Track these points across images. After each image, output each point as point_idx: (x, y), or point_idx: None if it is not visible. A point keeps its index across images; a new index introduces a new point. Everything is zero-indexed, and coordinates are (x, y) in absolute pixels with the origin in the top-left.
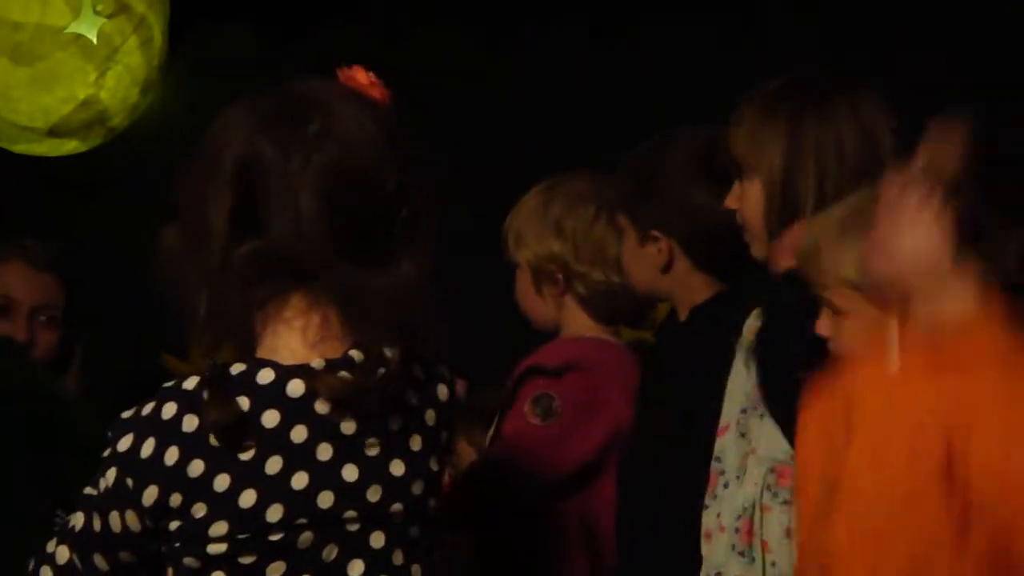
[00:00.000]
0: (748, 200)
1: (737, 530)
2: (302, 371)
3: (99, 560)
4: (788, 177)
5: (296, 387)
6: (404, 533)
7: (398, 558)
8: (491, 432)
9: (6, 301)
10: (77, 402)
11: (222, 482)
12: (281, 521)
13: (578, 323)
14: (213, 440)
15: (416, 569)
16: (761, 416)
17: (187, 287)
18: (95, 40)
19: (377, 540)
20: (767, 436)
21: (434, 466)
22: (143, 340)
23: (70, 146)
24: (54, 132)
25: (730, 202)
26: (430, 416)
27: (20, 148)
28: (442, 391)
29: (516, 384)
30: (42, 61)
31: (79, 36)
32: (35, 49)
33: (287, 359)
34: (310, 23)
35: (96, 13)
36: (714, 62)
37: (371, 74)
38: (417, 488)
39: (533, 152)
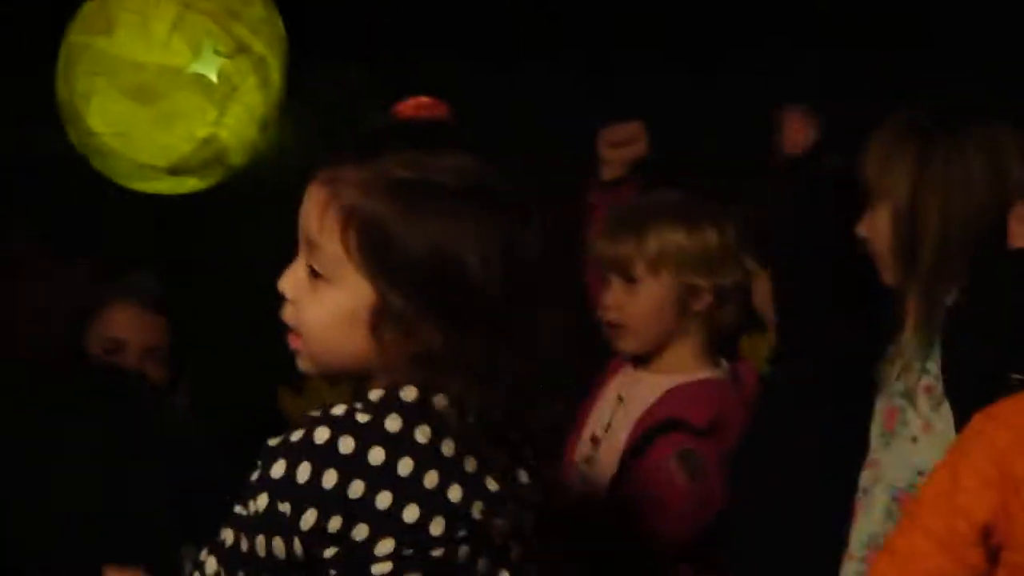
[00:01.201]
0: (877, 228)
1: (863, 559)
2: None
3: None
4: (915, 206)
5: (440, 401)
6: (533, 544)
7: (530, 569)
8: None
9: (116, 344)
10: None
11: (384, 500)
12: (443, 535)
13: (700, 354)
14: (372, 459)
15: None
16: (887, 444)
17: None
18: (215, 80)
19: (515, 551)
20: (893, 462)
21: (544, 476)
22: (258, 376)
23: (190, 184)
24: (174, 171)
25: (860, 229)
26: (527, 452)
27: (141, 186)
28: (536, 429)
29: (651, 433)
30: (163, 101)
31: (200, 76)
32: (156, 89)
33: None
34: (421, 59)
35: (216, 53)
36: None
37: (429, 99)
38: (536, 498)
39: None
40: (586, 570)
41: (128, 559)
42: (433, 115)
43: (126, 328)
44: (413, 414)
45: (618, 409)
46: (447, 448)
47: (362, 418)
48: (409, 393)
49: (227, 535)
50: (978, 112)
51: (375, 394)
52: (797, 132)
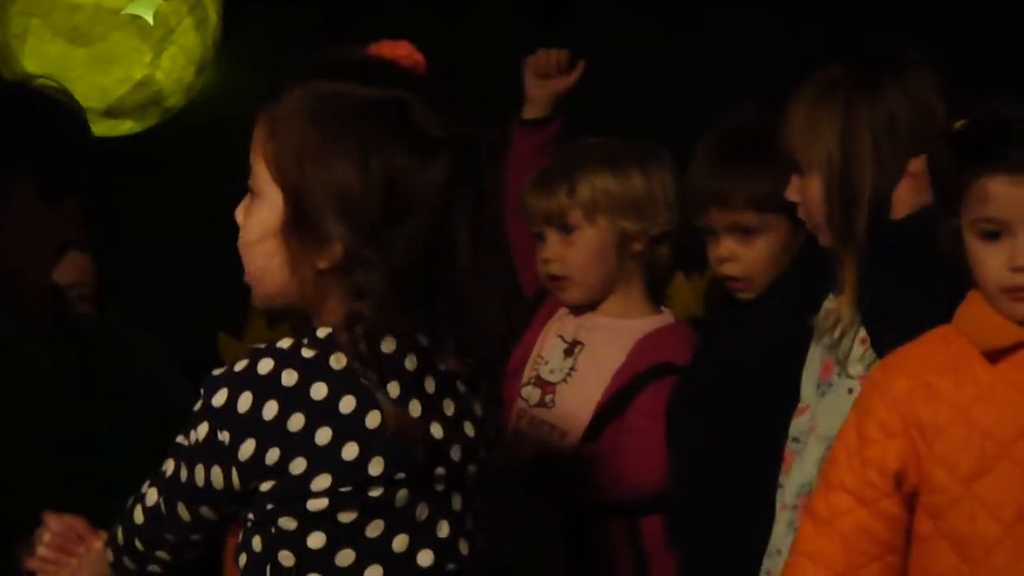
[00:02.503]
0: (808, 194)
1: (795, 507)
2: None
3: (182, 509)
4: (847, 167)
5: (388, 344)
6: (472, 497)
7: (469, 523)
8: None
9: None
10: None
11: (323, 435)
12: (382, 475)
13: (644, 298)
14: (314, 394)
15: (479, 539)
16: (823, 394)
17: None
18: (151, 21)
19: (456, 502)
20: (828, 414)
21: (490, 433)
22: (196, 322)
23: (126, 126)
24: (110, 113)
25: (791, 194)
26: (483, 387)
27: None
28: (487, 364)
29: (640, 380)
30: (99, 42)
31: (136, 17)
32: (92, 30)
33: None
34: (364, 4)
35: None
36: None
37: (412, 47)
38: (481, 452)
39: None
40: (558, 521)
41: (98, 500)
42: (411, 62)
43: None
44: (359, 354)
45: (580, 355)
46: (392, 390)
47: (307, 353)
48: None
49: (168, 465)
50: (891, 60)
51: (323, 332)
52: None
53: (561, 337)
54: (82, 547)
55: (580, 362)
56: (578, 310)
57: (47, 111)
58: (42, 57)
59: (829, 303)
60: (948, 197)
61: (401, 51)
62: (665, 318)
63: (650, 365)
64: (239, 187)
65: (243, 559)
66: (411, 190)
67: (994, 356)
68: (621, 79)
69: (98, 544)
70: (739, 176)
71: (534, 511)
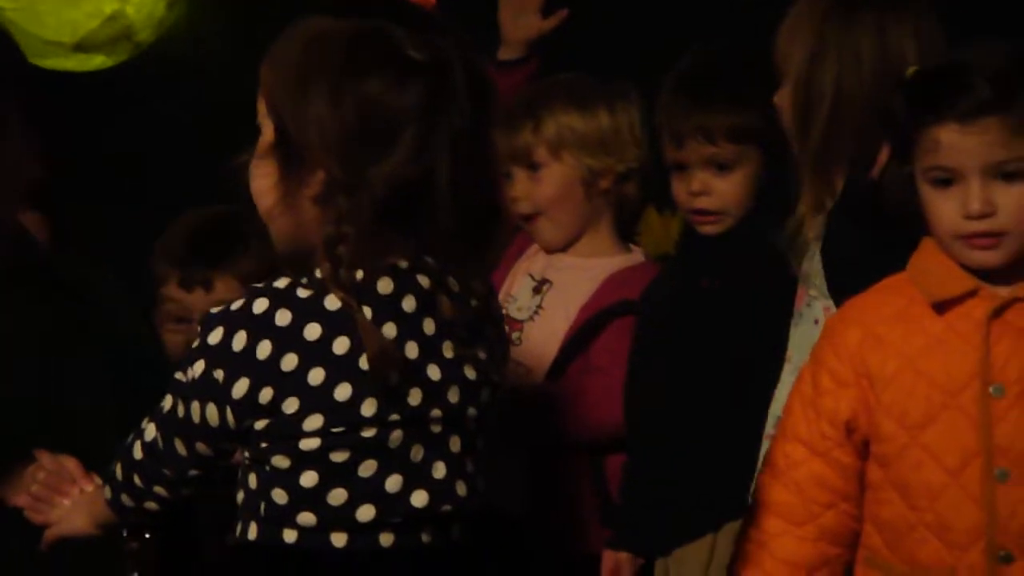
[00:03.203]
0: (783, 100)
1: (769, 437)
2: (389, 270)
3: (179, 445)
4: (810, 80)
5: (386, 285)
6: (474, 439)
7: (469, 465)
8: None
9: None
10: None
11: (316, 376)
12: (375, 416)
13: (613, 237)
14: (307, 334)
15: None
16: (795, 325)
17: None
18: None
19: (455, 444)
20: (799, 343)
21: (496, 378)
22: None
23: (97, 61)
24: (81, 47)
25: (776, 99)
26: (489, 329)
27: (47, 63)
28: (495, 308)
29: (603, 317)
30: None
31: None
32: None
33: None
34: None
35: None
36: None
37: None
38: (486, 395)
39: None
40: (522, 458)
41: (66, 448)
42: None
43: None
44: (357, 293)
45: (548, 293)
46: (388, 330)
47: (303, 293)
48: (355, 274)
49: (166, 401)
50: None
51: (321, 271)
52: None
53: (531, 275)
54: (75, 488)
55: (547, 300)
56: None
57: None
58: None
59: (791, 221)
60: (901, 146)
61: None
62: (634, 256)
63: (615, 301)
64: (209, 123)
65: (240, 496)
66: (388, 114)
67: (942, 307)
68: (594, 18)
69: (90, 486)
70: (721, 109)
71: (498, 448)
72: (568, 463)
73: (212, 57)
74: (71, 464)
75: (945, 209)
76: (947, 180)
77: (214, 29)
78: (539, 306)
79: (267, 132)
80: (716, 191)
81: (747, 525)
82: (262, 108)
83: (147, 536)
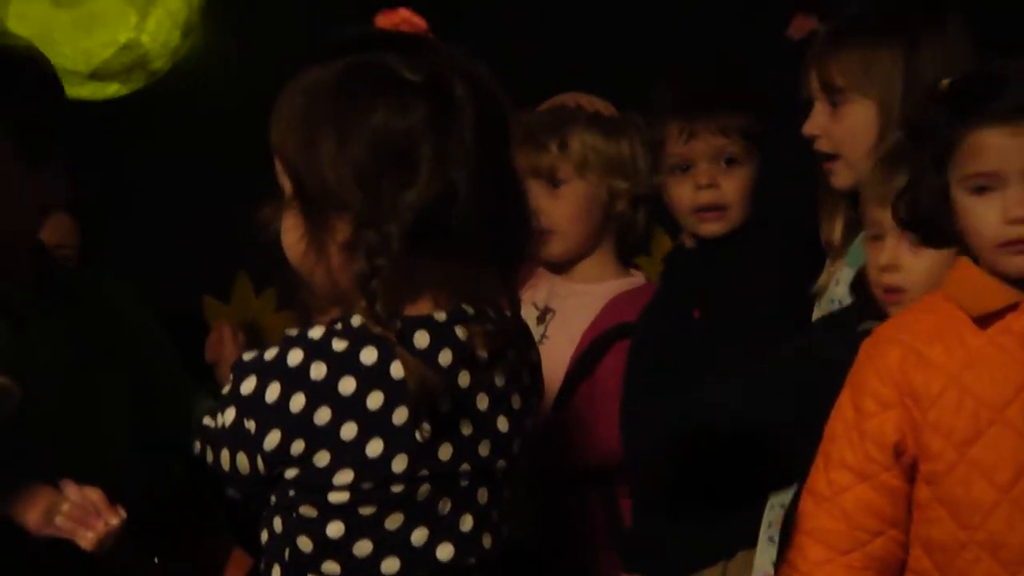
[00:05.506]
0: (852, 124)
1: None
2: (425, 322)
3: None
4: (907, 97)
5: (422, 339)
6: (501, 489)
7: (495, 515)
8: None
9: None
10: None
11: (349, 431)
12: (405, 472)
13: (615, 261)
14: (342, 388)
15: (504, 529)
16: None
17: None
18: None
19: (483, 496)
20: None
21: (529, 425)
22: (183, 281)
23: (111, 89)
24: (96, 75)
25: (811, 128)
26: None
27: None
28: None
29: (605, 340)
30: (84, 5)
31: None
32: None
33: (408, 311)
34: None
35: None
36: None
37: (410, 12)
38: (517, 446)
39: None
40: (533, 488)
41: (90, 467)
42: (413, 29)
43: None
44: (389, 347)
45: (551, 321)
46: (421, 340)
47: (338, 345)
48: (392, 308)
49: (196, 444)
50: (946, 7)
51: (358, 319)
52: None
53: (534, 304)
54: (100, 521)
55: (551, 328)
56: (555, 268)
57: (20, 71)
58: (26, 19)
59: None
60: (936, 156)
61: (397, 19)
62: (635, 279)
63: (617, 324)
64: (223, 150)
65: (264, 536)
66: (397, 140)
67: (983, 321)
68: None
69: (115, 519)
70: (733, 104)
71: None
72: (579, 489)
73: (224, 83)
74: (96, 496)
75: (986, 216)
76: (986, 187)
77: (226, 56)
78: (543, 335)
79: (287, 188)
80: (722, 185)
81: (790, 554)
82: (278, 166)
83: (156, 561)
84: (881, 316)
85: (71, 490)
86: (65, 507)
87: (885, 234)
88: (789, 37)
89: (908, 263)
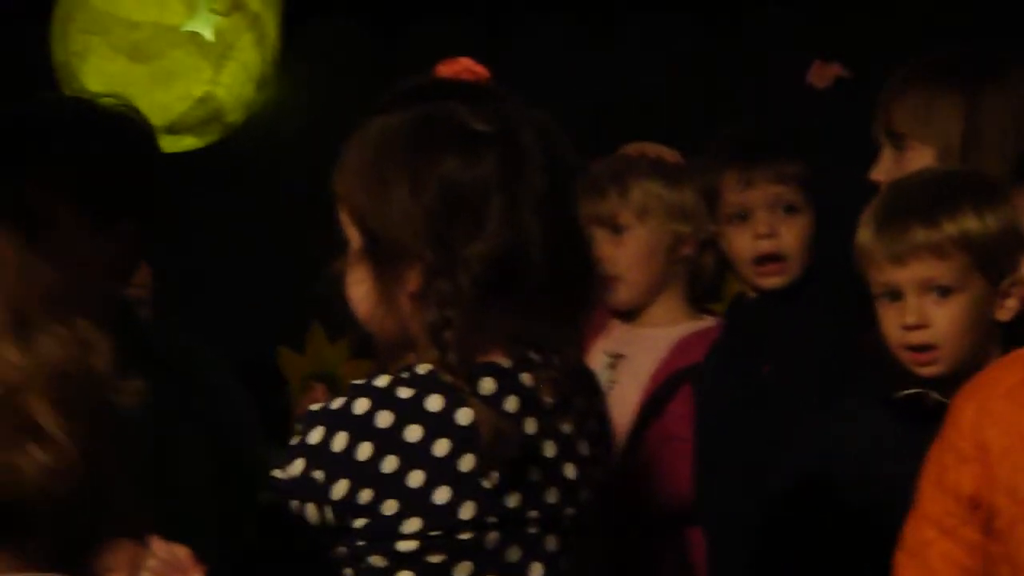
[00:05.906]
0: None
1: None
2: (491, 369)
3: None
4: (967, 144)
5: (489, 385)
6: (570, 537)
7: (564, 564)
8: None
9: None
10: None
11: (416, 479)
12: (472, 519)
13: (686, 305)
14: (408, 437)
15: None
16: None
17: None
18: (211, 38)
19: (552, 544)
20: None
21: (598, 475)
22: (258, 331)
23: (187, 143)
24: (171, 129)
25: (877, 174)
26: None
27: None
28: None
29: (674, 381)
30: (159, 59)
31: (195, 34)
32: (152, 48)
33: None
34: (417, 17)
35: (212, 11)
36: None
37: (472, 61)
38: (586, 495)
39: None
40: (604, 536)
41: (172, 519)
42: (475, 77)
43: None
44: (455, 395)
45: (620, 367)
46: (487, 386)
47: (404, 393)
48: (464, 356)
49: (263, 496)
50: (1008, 56)
51: (423, 368)
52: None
53: (605, 352)
54: None
55: (620, 373)
56: (624, 316)
57: (106, 130)
58: (103, 75)
59: None
60: None
61: (459, 67)
62: (705, 323)
63: (686, 366)
64: (299, 200)
65: None
66: (468, 190)
67: None
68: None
69: None
70: (790, 152)
71: None
72: (650, 537)
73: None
74: (183, 553)
75: None
76: None
77: (300, 108)
78: (612, 380)
79: (354, 239)
80: (782, 234)
81: None
82: (344, 218)
83: None
84: (912, 380)
85: (159, 546)
86: (152, 563)
87: (904, 292)
88: (811, 84)
89: (936, 317)
